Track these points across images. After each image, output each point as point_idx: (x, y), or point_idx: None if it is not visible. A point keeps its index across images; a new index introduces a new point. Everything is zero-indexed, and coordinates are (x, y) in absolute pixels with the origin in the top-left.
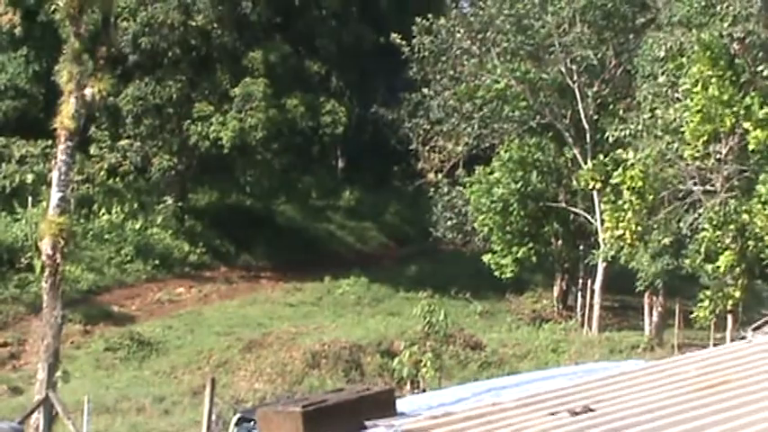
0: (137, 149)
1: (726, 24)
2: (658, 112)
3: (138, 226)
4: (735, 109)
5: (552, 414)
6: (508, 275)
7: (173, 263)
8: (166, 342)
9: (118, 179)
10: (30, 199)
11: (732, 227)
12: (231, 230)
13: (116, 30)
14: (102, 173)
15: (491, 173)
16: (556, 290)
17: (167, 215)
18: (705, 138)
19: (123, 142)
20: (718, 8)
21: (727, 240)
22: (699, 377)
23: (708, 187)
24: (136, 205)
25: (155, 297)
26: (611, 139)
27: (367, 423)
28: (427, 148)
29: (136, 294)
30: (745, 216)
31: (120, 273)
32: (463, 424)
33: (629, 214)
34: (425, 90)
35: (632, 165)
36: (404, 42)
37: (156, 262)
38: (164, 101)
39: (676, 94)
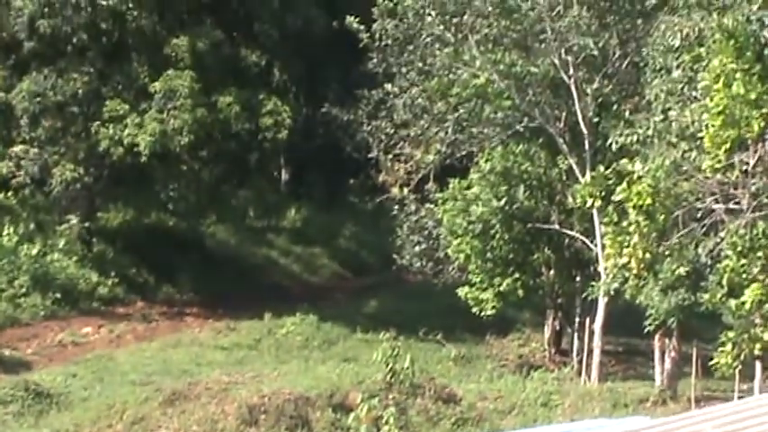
0: (33, 157)
1: (755, 7)
2: (672, 113)
3: (35, 251)
4: (764, 110)
5: None
6: (489, 313)
7: (78, 297)
8: (69, 393)
9: (10, 194)
10: None
11: (761, 254)
12: (150, 257)
13: (8, 10)
14: None
15: (468, 187)
16: (547, 330)
17: (71, 238)
18: (728, 145)
19: (17, 148)
20: None
21: (755, 270)
22: None
23: (731, 205)
24: (32, 226)
25: (55, 338)
26: (614, 147)
27: None
28: (390, 156)
29: (32, 335)
30: None
31: (12, 308)
32: None
33: (636, 238)
34: (388, 86)
35: (640, 178)
36: (362, 27)
37: (58, 295)
38: (67, 98)
39: (694, 93)
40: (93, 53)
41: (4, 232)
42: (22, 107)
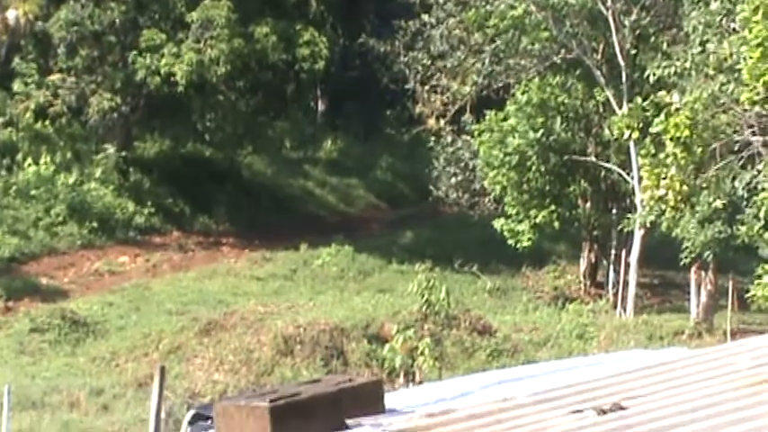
0: (71, 86)
1: None
2: (710, 45)
3: (71, 180)
4: None
5: (576, 412)
6: (525, 245)
7: (114, 226)
8: (106, 322)
9: (47, 122)
10: None
11: None
12: (186, 187)
13: None
14: (27, 114)
15: (505, 119)
16: (583, 263)
17: (108, 167)
18: (767, 77)
19: (54, 77)
20: None
21: None
22: (754, 369)
23: None
24: (69, 155)
25: (92, 267)
26: (651, 79)
27: (349, 421)
28: (427, 88)
29: (69, 264)
30: None
31: (49, 237)
32: (466, 423)
33: (673, 170)
34: (425, 17)
35: (677, 110)
36: None
37: (94, 224)
38: (104, 27)
39: (732, 24)
40: None
41: (41, 161)
42: (60, 36)
